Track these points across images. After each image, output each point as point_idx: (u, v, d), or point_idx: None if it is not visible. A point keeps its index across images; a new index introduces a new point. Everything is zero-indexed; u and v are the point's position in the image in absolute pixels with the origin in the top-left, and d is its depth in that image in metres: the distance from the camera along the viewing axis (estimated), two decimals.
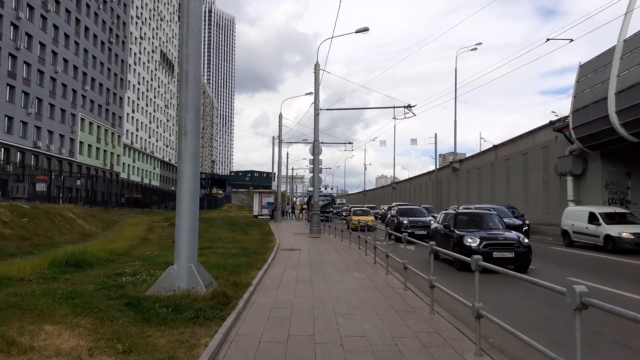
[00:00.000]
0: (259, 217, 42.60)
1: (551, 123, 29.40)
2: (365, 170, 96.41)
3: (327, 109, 25.69)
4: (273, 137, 47.05)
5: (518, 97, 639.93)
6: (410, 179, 68.03)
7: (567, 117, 27.72)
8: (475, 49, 47.72)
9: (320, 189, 26.20)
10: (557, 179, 28.60)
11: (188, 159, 7.46)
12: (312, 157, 25.55)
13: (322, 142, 25.28)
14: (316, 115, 24.79)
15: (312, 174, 25.58)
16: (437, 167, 54.05)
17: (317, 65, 24.69)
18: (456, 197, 47.98)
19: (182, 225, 7.22)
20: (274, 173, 50.43)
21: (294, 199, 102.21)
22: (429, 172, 59.07)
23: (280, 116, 39.31)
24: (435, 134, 52.03)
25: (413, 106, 25.73)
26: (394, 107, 25.57)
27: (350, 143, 39.89)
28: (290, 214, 50.54)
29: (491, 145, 39.48)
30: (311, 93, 31.27)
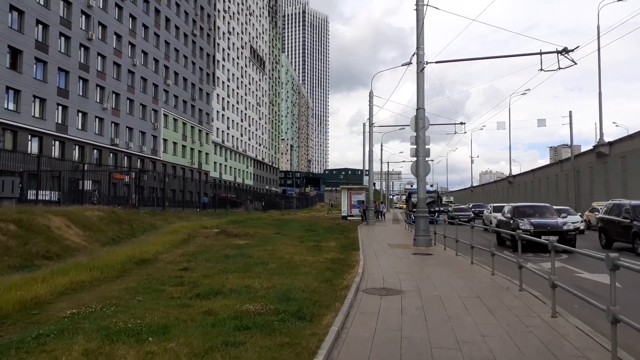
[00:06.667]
0: (349, 218, 35.29)
1: None
2: (472, 163, 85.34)
3: (435, 62, 17.58)
4: (364, 124, 39.61)
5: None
6: (533, 170, 56.54)
7: None
8: None
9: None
10: None
11: None
12: (414, 134, 17.64)
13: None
14: (420, 71, 16.92)
15: (414, 159, 17.66)
16: (573, 152, 42.83)
17: None
18: (604, 192, 36.90)
19: None
20: (366, 170, 42.87)
21: (390, 196, 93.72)
22: (560, 161, 47.72)
23: (371, 94, 31.73)
24: (570, 112, 40.92)
25: (571, 50, 16.80)
26: (540, 53, 16.84)
27: (462, 123, 31.08)
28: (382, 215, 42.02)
29: None
30: (408, 63, 23.46)
